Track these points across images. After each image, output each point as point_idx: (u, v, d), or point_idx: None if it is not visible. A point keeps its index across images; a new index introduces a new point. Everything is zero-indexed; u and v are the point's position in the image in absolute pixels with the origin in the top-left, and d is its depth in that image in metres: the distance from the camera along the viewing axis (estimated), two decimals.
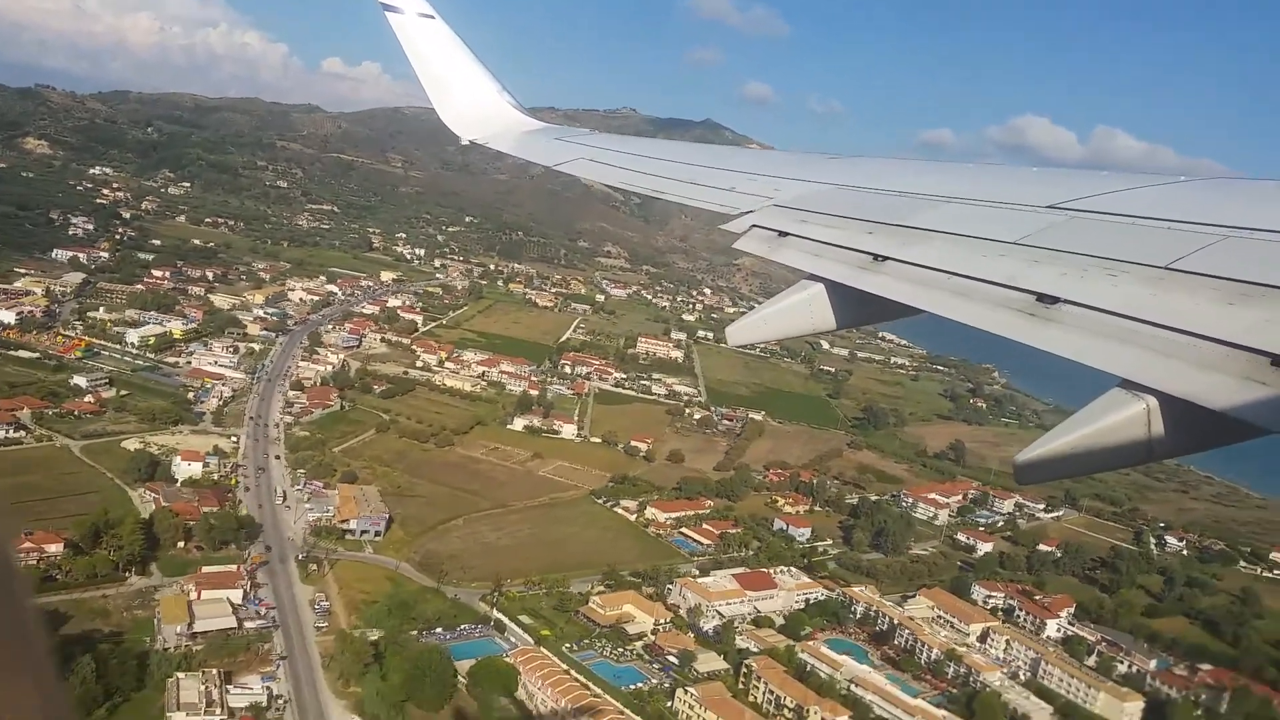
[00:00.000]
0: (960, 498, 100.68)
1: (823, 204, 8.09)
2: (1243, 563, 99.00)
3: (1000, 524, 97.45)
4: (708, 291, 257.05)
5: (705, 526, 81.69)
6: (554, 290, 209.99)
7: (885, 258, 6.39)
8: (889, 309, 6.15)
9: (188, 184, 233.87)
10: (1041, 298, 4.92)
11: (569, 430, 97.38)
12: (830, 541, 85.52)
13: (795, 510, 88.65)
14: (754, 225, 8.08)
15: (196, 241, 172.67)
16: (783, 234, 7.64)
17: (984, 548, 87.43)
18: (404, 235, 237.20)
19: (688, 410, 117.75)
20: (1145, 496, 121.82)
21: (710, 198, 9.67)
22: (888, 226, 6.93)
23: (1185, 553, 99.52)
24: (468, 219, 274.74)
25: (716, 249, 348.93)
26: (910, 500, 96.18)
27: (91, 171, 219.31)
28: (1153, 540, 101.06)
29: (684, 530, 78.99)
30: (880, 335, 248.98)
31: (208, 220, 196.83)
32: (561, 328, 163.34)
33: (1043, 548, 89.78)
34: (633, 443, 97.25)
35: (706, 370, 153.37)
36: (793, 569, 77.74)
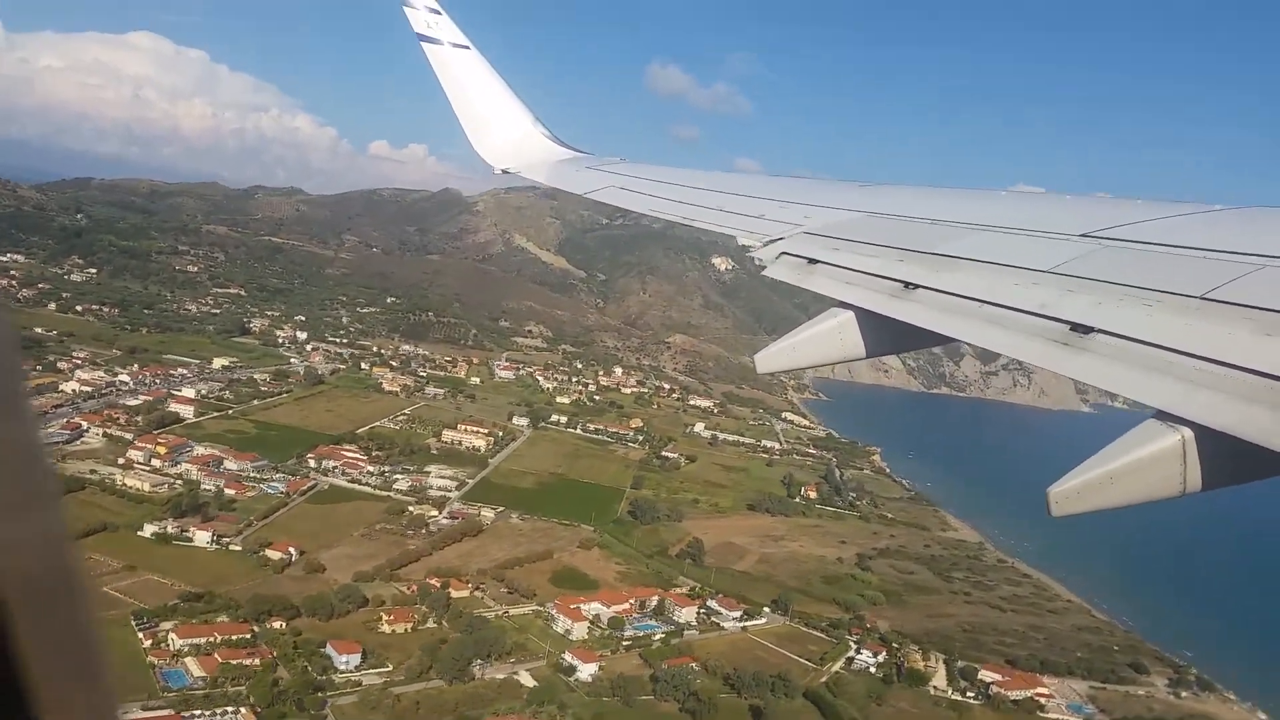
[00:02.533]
0: (628, 605, 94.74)
1: (853, 231, 8.24)
2: (936, 684, 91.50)
3: (657, 635, 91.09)
4: (618, 371, 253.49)
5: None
6: (429, 373, 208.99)
7: (916, 286, 6.46)
8: (920, 337, 6.30)
9: (94, 270, 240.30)
10: (1075, 327, 4.97)
11: (203, 537, 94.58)
12: (391, 669, 79.02)
13: (392, 630, 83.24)
14: (784, 253, 8.27)
15: (39, 329, 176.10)
16: (813, 261, 7.75)
17: (587, 669, 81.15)
18: (303, 318, 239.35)
19: (412, 509, 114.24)
20: (903, 601, 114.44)
21: (740, 225, 9.89)
22: (919, 254, 7.02)
23: (874, 670, 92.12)
24: (389, 300, 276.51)
25: (673, 325, 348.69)
26: (553, 612, 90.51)
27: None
28: (844, 658, 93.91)
29: (187, 660, 73.55)
30: (784, 415, 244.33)
31: (78, 308, 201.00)
32: (380, 415, 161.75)
33: (667, 665, 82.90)
34: (269, 552, 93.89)
35: (514, 460, 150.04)
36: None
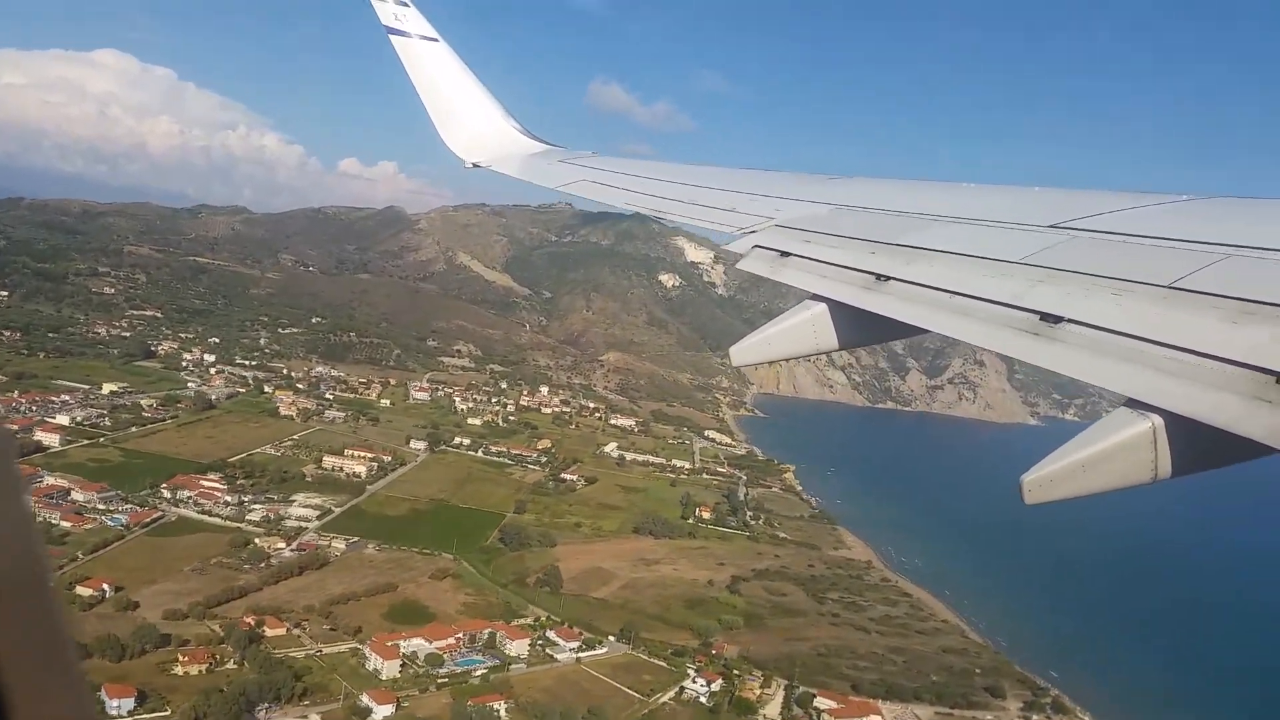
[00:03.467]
0: (453, 640, 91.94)
1: (825, 224, 8.34)
2: (767, 713, 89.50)
3: (479, 671, 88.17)
4: (544, 390, 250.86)
5: None
6: (336, 395, 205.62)
7: (888, 277, 6.55)
8: (892, 329, 6.36)
9: (5, 293, 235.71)
10: (1045, 317, 5.08)
11: None
12: (169, 713, 74.50)
13: (185, 672, 79.62)
14: (756, 245, 8.33)
15: None
16: (785, 254, 7.89)
17: (382, 711, 78.27)
18: (216, 340, 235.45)
19: (258, 541, 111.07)
20: (764, 625, 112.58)
21: (711, 218, 9.91)
22: (890, 246, 7.09)
23: (705, 700, 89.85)
24: (314, 320, 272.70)
25: (615, 343, 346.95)
26: (367, 651, 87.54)
27: None
28: (677, 688, 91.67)
29: None
30: (707, 433, 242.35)
31: None
32: (265, 440, 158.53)
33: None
34: (81, 588, 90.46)
35: (396, 486, 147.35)
36: None
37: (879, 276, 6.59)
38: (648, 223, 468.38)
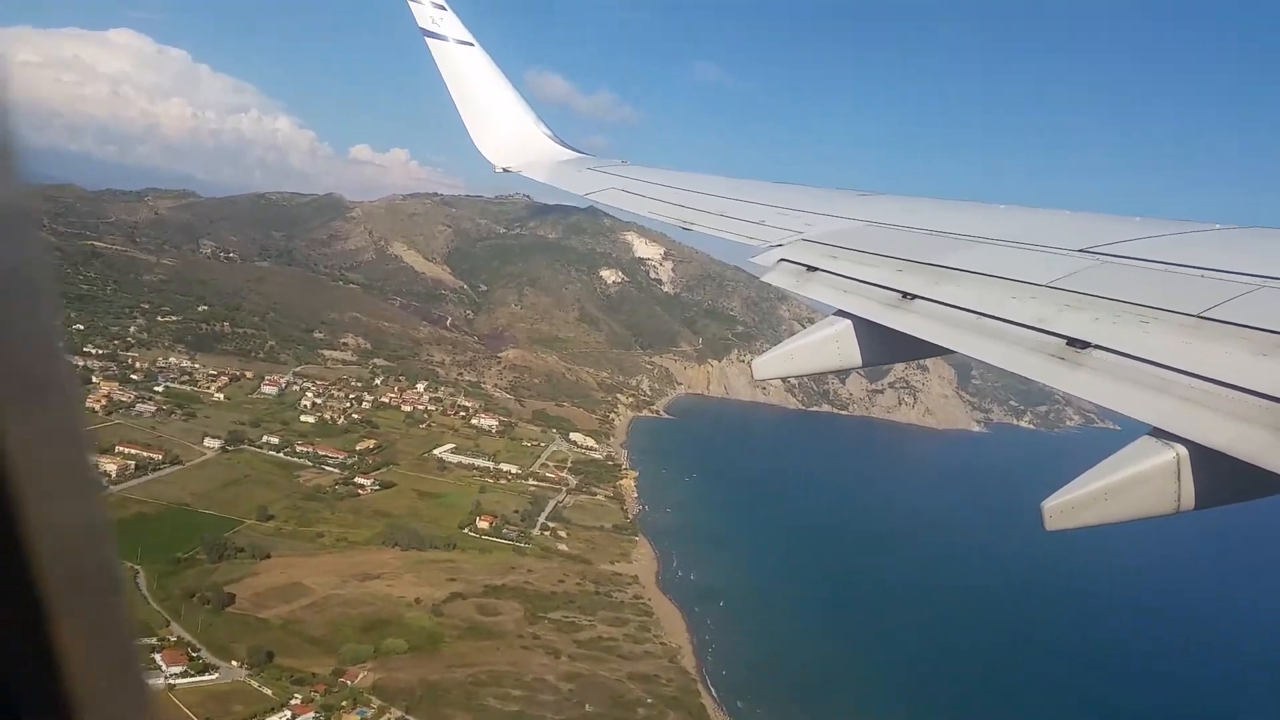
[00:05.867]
0: None
1: (853, 240, 8.40)
2: None
3: None
4: (420, 387, 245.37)
5: None
6: (170, 387, 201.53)
7: (915, 296, 6.57)
8: (917, 347, 6.41)
9: None
10: (1072, 342, 5.09)
11: None
12: None
13: None
14: (782, 259, 8.41)
15: None
16: (811, 269, 7.96)
17: None
18: (82, 327, 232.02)
19: None
20: (437, 650, 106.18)
21: (740, 230, 10.11)
22: (918, 265, 7.10)
23: None
24: (201, 308, 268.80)
25: (540, 338, 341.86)
26: None
27: None
28: None
29: None
30: (571, 436, 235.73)
31: None
32: None
33: None
34: None
35: (145, 488, 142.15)
36: None
37: (905, 295, 6.61)
38: (600, 217, 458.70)
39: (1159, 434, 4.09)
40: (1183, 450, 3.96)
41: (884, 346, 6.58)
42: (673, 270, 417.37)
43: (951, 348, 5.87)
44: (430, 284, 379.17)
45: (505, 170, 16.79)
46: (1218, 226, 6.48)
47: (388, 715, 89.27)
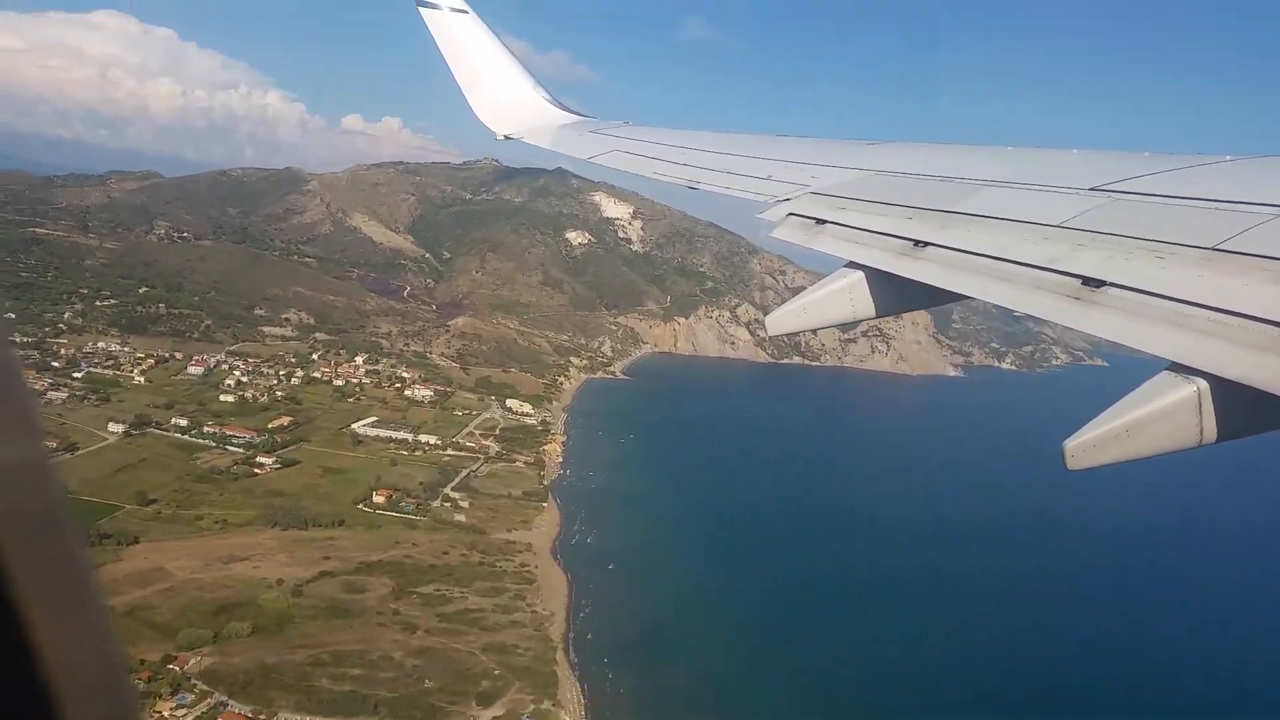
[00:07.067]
0: None
1: (861, 190, 8.29)
2: None
3: None
4: (359, 360, 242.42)
5: None
6: (90, 372, 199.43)
7: (926, 243, 6.49)
8: (930, 295, 6.33)
9: None
10: (1087, 281, 5.03)
11: None
12: None
13: None
14: (791, 213, 8.31)
15: None
16: (820, 221, 7.84)
17: None
18: (13, 316, 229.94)
19: None
20: (284, 630, 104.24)
21: (747, 186, 9.96)
22: (927, 212, 7.03)
23: None
24: (142, 290, 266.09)
25: (501, 304, 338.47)
26: None
27: None
28: None
29: None
30: (507, 403, 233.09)
31: None
32: None
33: None
34: None
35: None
36: None
37: (916, 243, 6.54)
38: (568, 178, 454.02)
39: (1178, 368, 4.07)
40: (1203, 384, 3.96)
41: (897, 296, 6.58)
42: (642, 229, 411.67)
43: (965, 293, 5.82)
44: (389, 254, 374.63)
45: (507, 138, 16.57)
46: (1229, 158, 6.37)
47: (208, 700, 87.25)
